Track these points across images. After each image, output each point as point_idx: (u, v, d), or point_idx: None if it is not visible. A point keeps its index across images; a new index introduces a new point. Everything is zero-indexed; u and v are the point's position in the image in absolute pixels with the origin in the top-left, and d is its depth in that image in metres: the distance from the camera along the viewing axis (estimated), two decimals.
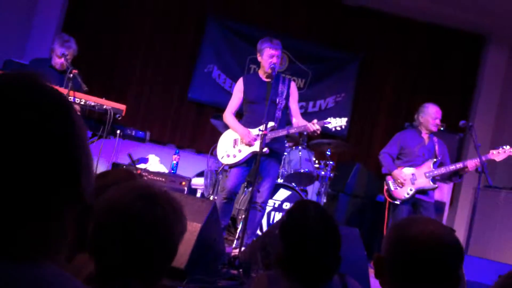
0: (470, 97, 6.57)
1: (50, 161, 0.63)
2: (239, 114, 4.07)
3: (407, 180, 4.34)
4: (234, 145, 3.87)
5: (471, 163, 4.16)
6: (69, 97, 3.58)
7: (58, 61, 4.03)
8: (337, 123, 3.82)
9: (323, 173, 5.05)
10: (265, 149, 3.55)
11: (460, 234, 5.72)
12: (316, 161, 5.03)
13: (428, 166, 4.39)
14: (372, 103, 6.51)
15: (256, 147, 3.71)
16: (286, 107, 3.93)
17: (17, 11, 5.71)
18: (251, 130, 3.84)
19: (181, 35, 6.28)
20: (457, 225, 6.16)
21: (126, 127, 3.95)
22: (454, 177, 4.42)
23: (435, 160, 4.41)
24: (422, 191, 4.37)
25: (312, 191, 5.39)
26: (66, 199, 0.66)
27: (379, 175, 6.07)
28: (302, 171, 4.73)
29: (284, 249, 1.70)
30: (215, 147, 4.04)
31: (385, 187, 4.47)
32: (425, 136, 4.52)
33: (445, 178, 4.46)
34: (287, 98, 3.91)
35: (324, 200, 5.15)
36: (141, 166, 4.66)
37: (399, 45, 6.53)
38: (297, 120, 3.94)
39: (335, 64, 6.44)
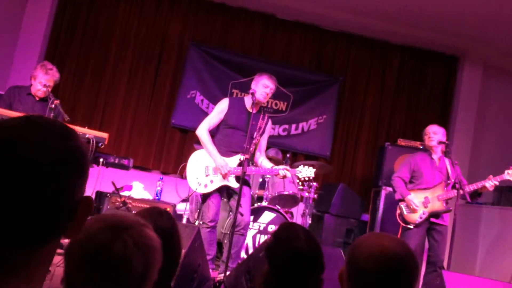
0: (448, 115, 6.73)
1: (61, 199, 0.69)
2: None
3: (420, 205, 4.26)
4: (206, 173, 3.90)
5: (489, 183, 4.06)
6: None
7: (42, 88, 4.04)
8: (306, 173, 3.96)
9: (307, 194, 5.10)
10: (236, 186, 3.75)
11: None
12: (300, 183, 5.08)
13: (441, 188, 4.27)
14: (353, 124, 6.63)
15: (230, 182, 3.85)
16: (257, 142, 4.04)
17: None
18: (226, 159, 3.88)
19: (163, 62, 6.35)
20: None
21: (109, 155, 3.96)
22: (474, 198, 4.22)
23: (448, 182, 4.29)
24: (435, 215, 4.26)
25: (297, 213, 5.42)
26: (64, 232, 0.70)
27: (363, 194, 6.16)
28: (286, 193, 4.79)
29: (270, 270, 1.74)
30: (184, 166, 4.06)
31: (398, 211, 4.37)
32: (436, 157, 4.42)
33: (464, 198, 4.17)
34: (262, 134, 4.03)
35: (309, 221, 5.19)
36: (125, 193, 4.66)
37: (377, 67, 6.70)
38: (260, 155, 4.07)
39: (316, 87, 6.56)
